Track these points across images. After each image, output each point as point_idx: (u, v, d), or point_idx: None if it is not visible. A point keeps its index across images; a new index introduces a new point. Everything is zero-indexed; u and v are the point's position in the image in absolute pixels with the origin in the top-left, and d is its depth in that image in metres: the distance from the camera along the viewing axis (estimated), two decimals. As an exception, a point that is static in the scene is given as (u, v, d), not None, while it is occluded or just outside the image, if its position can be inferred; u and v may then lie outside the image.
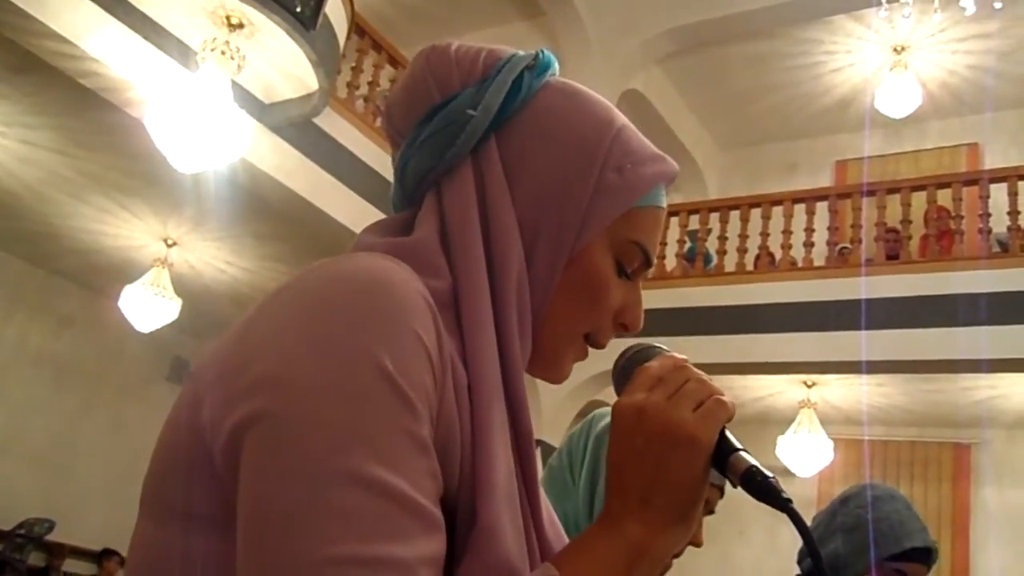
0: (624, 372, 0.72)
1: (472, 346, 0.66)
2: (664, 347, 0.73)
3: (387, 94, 6.46)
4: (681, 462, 0.63)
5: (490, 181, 0.72)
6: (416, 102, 0.76)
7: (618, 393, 0.71)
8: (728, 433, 0.66)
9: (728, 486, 0.72)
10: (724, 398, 0.66)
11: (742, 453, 0.64)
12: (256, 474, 0.55)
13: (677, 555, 1.23)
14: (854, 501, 1.76)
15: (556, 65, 0.79)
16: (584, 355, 0.78)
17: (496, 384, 0.66)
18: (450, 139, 0.73)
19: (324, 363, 0.56)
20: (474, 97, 0.73)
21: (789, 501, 0.61)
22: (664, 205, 0.77)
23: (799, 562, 1.83)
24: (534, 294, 0.72)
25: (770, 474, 0.63)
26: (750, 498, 0.64)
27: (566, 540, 0.73)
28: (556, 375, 0.77)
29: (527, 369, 0.75)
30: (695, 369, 0.68)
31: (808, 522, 1.87)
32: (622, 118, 0.77)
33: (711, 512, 1.43)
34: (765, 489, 0.62)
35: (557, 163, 0.73)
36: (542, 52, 0.78)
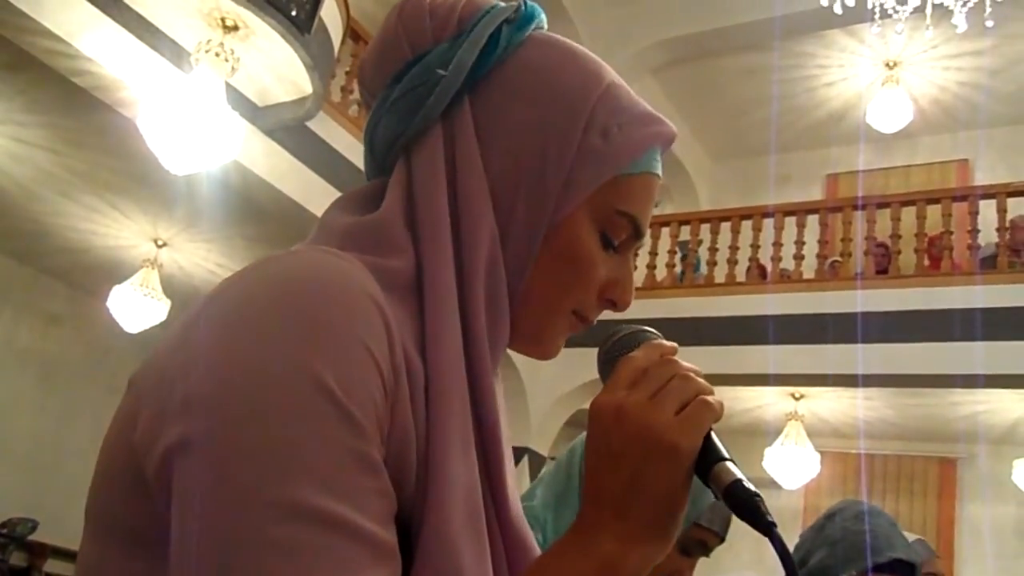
0: (608, 359, 0.67)
1: (432, 333, 0.61)
2: (653, 331, 0.69)
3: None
4: (660, 470, 0.58)
5: (461, 147, 0.66)
6: (387, 59, 0.69)
7: (603, 380, 0.66)
8: (715, 438, 0.61)
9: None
10: (711, 398, 0.60)
11: (728, 464, 0.59)
12: (187, 507, 0.50)
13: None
14: (841, 515, 1.79)
15: (542, 17, 0.71)
16: (576, 328, 0.71)
17: (457, 374, 0.61)
18: (419, 101, 0.66)
19: (259, 382, 0.51)
20: (446, 54, 0.67)
21: (773, 524, 0.57)
22: (657, 171, 0.70)
23: None
24: (510, 270, 0.66)
25: (755, 489, 0.58)
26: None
27: (532, 540, 0.68)
28: (544, 352, 0.71)
29: (511, 345, 0.69)
30: (683, 362, 0.63)
31: (797, 538, 1.87)
32: (612, 74, 0.71)
33: (706, 555, 1.41)
34: (749, 508, 0.57)
35: (535, 125, 0.66)
36: (525, 3, 0.70)
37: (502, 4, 0.70)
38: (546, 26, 0.73)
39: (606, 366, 0.67)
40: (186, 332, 0.56)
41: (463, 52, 0.66)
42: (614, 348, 0.68)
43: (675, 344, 0.66)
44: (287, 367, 0.51)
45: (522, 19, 0.69)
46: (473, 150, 0.66)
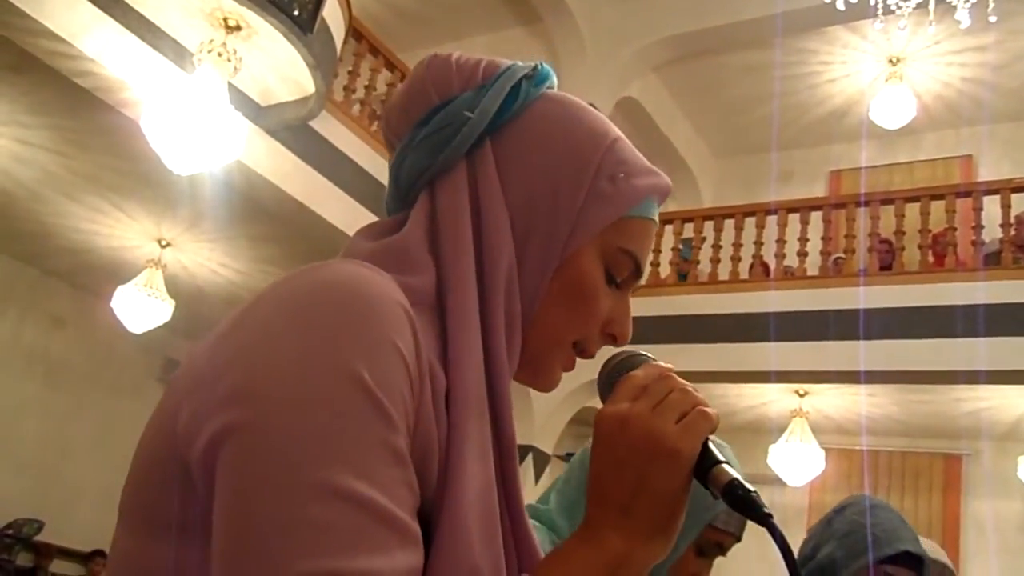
0: (609, 380, 0.72)
1: (455, 348, 0.66)
2: (650, 355, 0.74)
3: (384, 98, 6.47)
4: (662, 474, 0.64)
5: (483, 182, 0.73)
6: (415, 105, 0.76)
7: (603, 401, 0.71)
8: (711, 445, 0.66)
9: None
10: (708, 409, 0.66)
11: (724, 466, 0.65)
12: (231, 488, 0.54)
13: None
14: (850, 509, 1.81)
15: (555, 78, 0.80)
16: (572, 365, 0.77)
17: (478, 388, 0.66)
18: (446, 139, 0.73)
19: (299, 375, 0.55)
20: (472, 100, 0.74)
21: (770, 515, 0.62)
22: (656, 219, 0.78)
23: None
24: (523, 296, 0.72)
25: (751, 487, 0.63)
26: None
27: (537, 543, 0.73)
28: (544, 383, 0.77)
29: (515, 376, 0.75)
30: (680, 379, 0.69)
31: (801, 535, 1.89)
32: (617, 131, 0.78)
33: (723, 555, 1.45)
34: (746, 502, 0.63)
35: (551, 168, 0.74)
36: (541, 64, 0.79)
37: (520, 63, 0.78)
38: (556, 86, 0.81)
39: (606, 387, 0.72)
40: (229, 331, 0.61)
41: (488, 99, 0.74)
42: (614, 370, 0.73)
43: (672, 365, 0.71)
44: (326, 362, 0.56)
45: (539, 77, 0.78)
46: (495, 184, 0.73)
